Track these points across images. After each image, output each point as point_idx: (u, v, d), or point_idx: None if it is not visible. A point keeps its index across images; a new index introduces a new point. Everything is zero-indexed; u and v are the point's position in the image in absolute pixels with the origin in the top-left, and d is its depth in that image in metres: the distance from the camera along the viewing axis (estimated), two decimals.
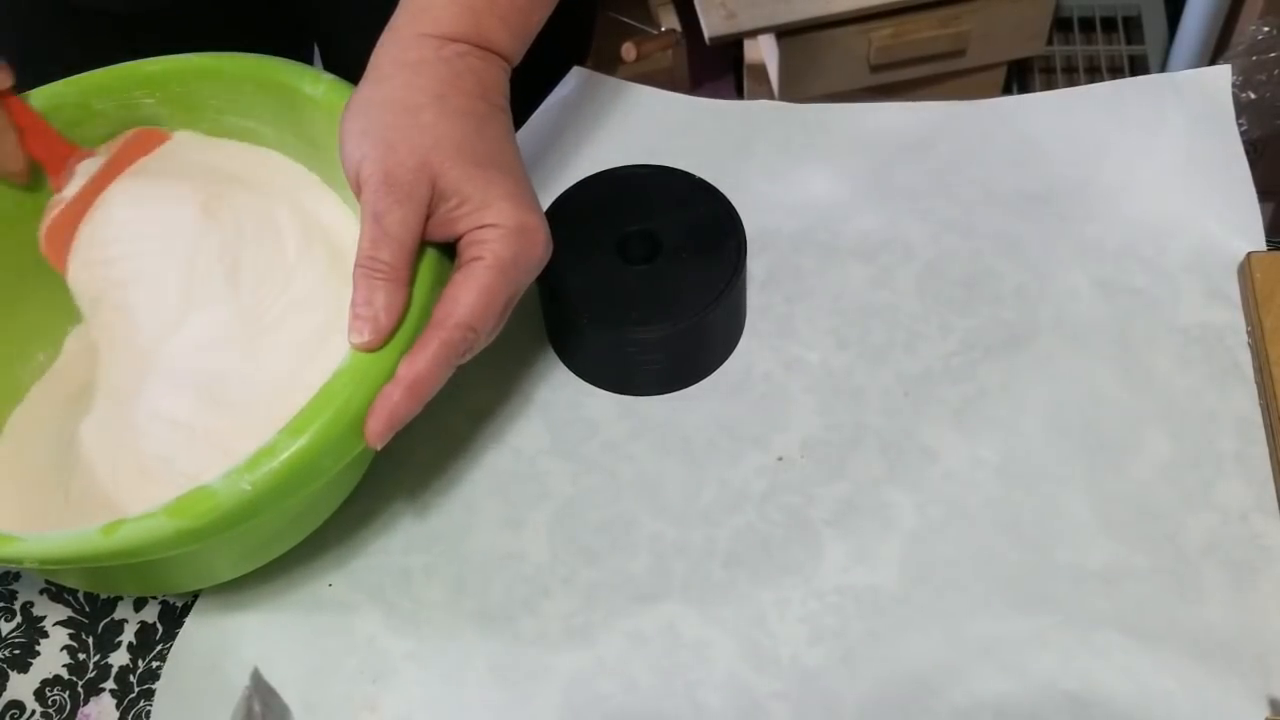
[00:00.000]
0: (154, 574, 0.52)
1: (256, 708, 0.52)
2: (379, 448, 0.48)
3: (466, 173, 0.49)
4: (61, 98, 0.57)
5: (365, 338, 0.47)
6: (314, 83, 0.55)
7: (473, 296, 0.48)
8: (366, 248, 0.48)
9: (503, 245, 0.49)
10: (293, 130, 0.57)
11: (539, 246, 0.50)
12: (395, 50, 0.51)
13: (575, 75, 0.71)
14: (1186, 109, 0.66)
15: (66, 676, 0.55)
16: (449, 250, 0.51)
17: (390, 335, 0.48)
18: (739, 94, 1.54)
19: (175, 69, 0.57)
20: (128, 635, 0.56)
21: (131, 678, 0.55)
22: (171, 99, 0.58)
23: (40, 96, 0.57)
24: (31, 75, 0.59)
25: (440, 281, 0.50)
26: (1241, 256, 0.61)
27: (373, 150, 0.49)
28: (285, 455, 0.46)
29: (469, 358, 0.49)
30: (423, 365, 0.47)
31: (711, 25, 1.31)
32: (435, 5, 0.51)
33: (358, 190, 0.49)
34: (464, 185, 0.49)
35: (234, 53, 0.57)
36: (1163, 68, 1.54)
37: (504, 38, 0.52)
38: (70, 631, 0.56)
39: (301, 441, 0.46)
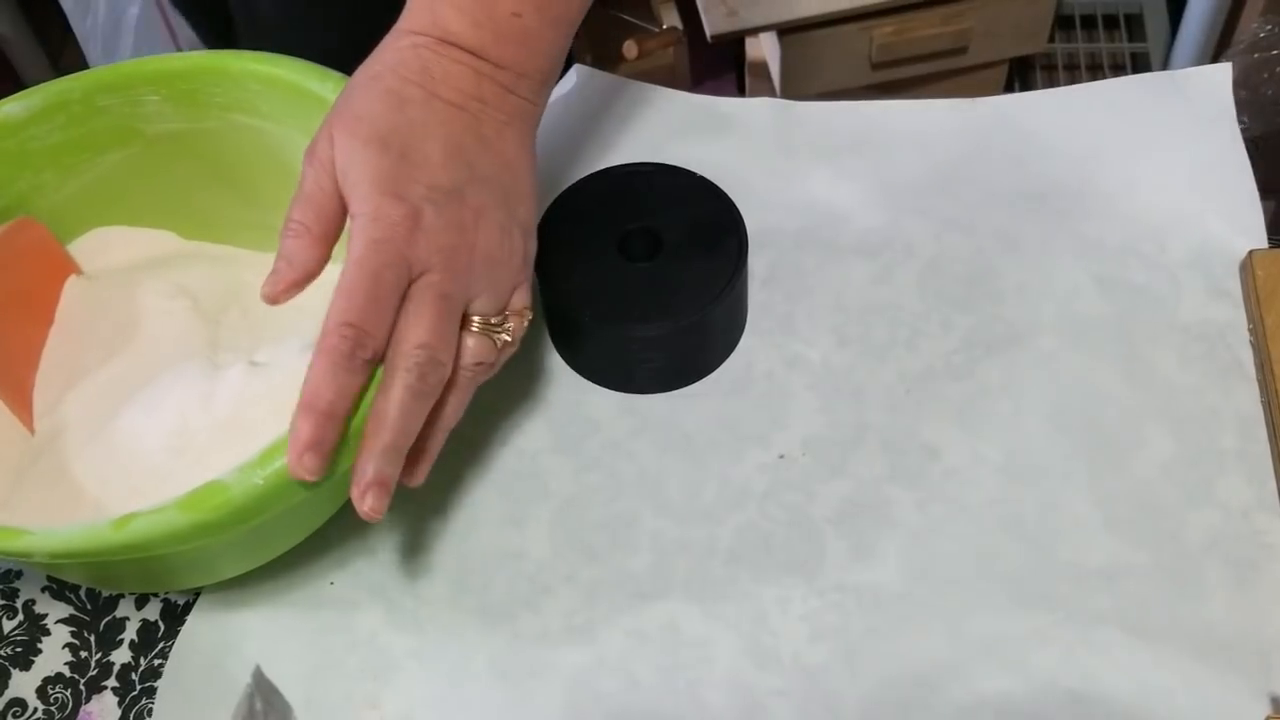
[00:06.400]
0: (157, 571, 0.52)
1: (258, 705, 0.52)
2: (308, 478, 0.45)
3: (347, 145, 0.47)
4: (67, 94, 0.58)
5: (265, 289, 0.47)
6: (321, 80, 0.55)
7: (338, 296, 0.46)
8: (288, 212, 0.48)
9: (356, 236, 0.46)
10: (299, 128, 0.57)
11: (398, 232, 0.46)
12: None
13: (576, 73, 0.71)
14: (1188, 107, 0.66)
15: (68, 674, 0.55)
16: None
17: (293, 286, 0.47)
18: (740, 92, 1.54)
19: (180, 67, 0.57)
20: (130, 633, 0.56)
21: (133, 675, 0.55)
22: (176, 96, 0.58)
23: (44, 93, 0.57)
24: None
25: None
26: (1243, 254, 0.61)
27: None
28: None
29: (428, 358, 0.46)
30: (311, 377, 0.45)
31: (713, 23, 1.31)
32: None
33: None
34: (340, 156, 0.47)
35: (240, 50, 0.57)
36: (1164, 65, 1.53)
37: (458, 23, 0.50)
38: (72, 629, 0.56)
39: None
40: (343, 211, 0.48)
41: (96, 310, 0.59)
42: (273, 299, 0.47)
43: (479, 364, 0.49)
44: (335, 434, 0.45)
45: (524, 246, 0.51)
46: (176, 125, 0.59)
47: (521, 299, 0.52)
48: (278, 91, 0.56)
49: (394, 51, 0.50)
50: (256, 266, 0.52)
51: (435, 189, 0.47)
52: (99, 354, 0.57)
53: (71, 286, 0.60)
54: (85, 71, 0.58)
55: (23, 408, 0.57)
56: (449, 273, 0.47)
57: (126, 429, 0.53)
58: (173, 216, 0.63)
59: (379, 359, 0.46)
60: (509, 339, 0.51)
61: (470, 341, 0.49)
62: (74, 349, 0.58)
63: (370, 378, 0.46)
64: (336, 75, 0.55)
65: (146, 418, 0.53)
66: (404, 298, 0.47)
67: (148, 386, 0.54)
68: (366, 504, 0.46)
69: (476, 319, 0.49)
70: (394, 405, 0.46)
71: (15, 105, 0.57)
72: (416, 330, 0.46)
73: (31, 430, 0.56)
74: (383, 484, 0.46)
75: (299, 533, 0.54)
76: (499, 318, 0.50)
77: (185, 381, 0.54)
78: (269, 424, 0.49)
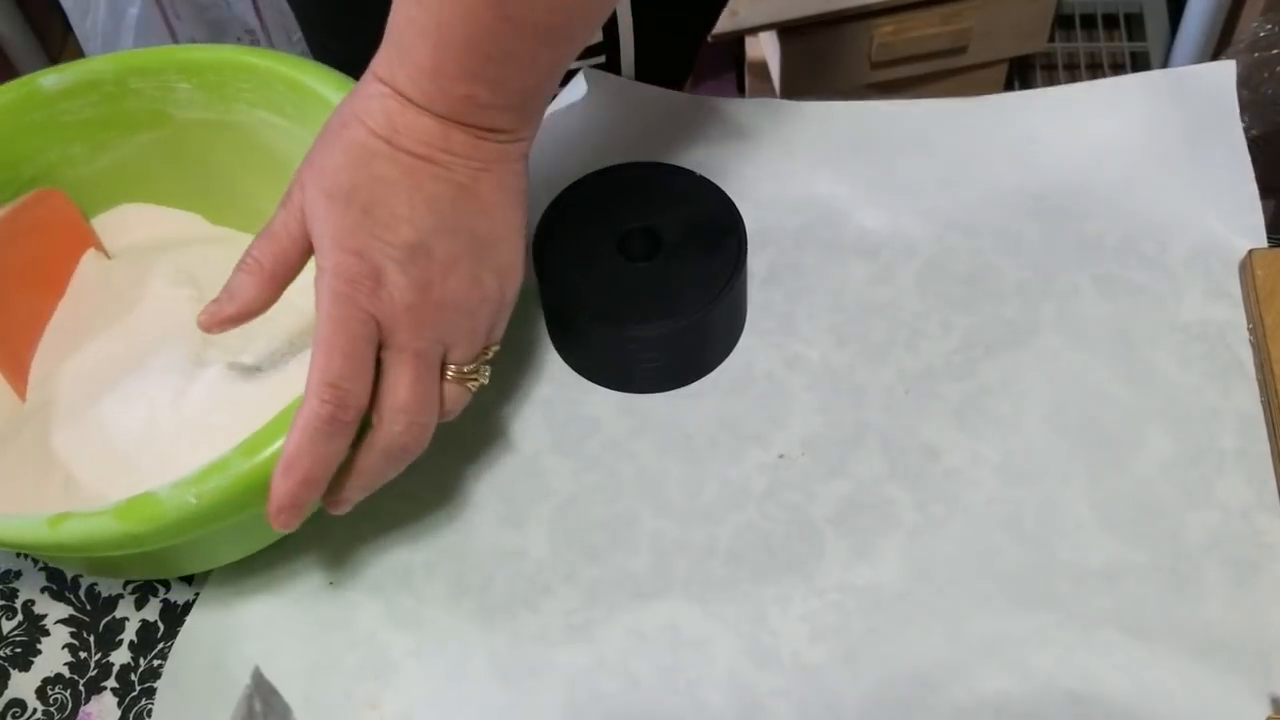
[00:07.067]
0: (152, 557, 0.52)
1: (257, 706, 0.52)
2: (285, 531, 0.47)
3: (312, 197, 0.47)
4: (100, 74, 0.58)
5: (201, 318, 0.48)
6: (340, 91, 0.55)
7: (316, 351, 0.45)
8: (249, 246, 0.48)
9: (321, 290, 0.46)
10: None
11: (361, 289, 0.46)
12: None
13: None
14: (1188, 105, 0.65)
15: (68, 675, 0.55)
16: None
17: (228, 320, 0.48)
18: (741, 91, 1.54)
19: (211, 58, 0.58)
20: (129, 633, 0.56)
21: (133, 676, 0.55)
22: (207, 86, 0.58)
23: (77, 70, 0.58)
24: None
25: None
26: (1243, 253, 0.61)
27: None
28: (234, 473, 0.46)
29: (408, 425, 0.47)
30: (291, 440, 0.45)
31: None
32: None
33: None
34: (307, 206, 0.47)
35: (271, 50, 0.57)
36: (1164, 65, 1.53)
37: (411, 91, 0.47)
38: (71, 630, 0.56)
39: (253, 462, 0.46)
40: (301, 256, 0.48)
41: (104, 288, 0.60)
42: (206, 329, 0.48)
43: (450, 412, 0.50)
44: (313, 496, 0.46)
45: (499, 292, 0.50)
46: (206, 114, 0.59)
47: (493, 338, 0.51)
48: (300, 95, 0.56)
49: (363, 99, 0.48)
50: None
51: (398, 246, 0.46)
52: (94, 332, 0.58)
53: (88, 261, 0.61)
54: (118, 53, 0.59)
55: (18, 376, 0.57)
56: (416, 330, 0.47)
57: (103, 413, 0.54)
58: (200, 199, 0.64)
59: (362, 413, 0.46)
60: (484, 382, 0.51)
61: (446, 391, 0.49)
62: (75, 323, 0.59)
63: (353, 436, 0.47)
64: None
65: (121, 405, 0.54)
66: (382, 360, 0.47)
67: (130, 374, 0.55)
68: (334, 511, 0.49)
69: (451, 369, 0.49)
70: (369, 468, 0.48)
71: (49, 79, 0.58)
72: (396, 393, 0.47)
73: (23, 399, 0.57)
74: (350, 503, 0.49)
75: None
76: (472, 365, 0.50)
77: (162, 376, 0.54)
78: (232, 431, 0.49)
